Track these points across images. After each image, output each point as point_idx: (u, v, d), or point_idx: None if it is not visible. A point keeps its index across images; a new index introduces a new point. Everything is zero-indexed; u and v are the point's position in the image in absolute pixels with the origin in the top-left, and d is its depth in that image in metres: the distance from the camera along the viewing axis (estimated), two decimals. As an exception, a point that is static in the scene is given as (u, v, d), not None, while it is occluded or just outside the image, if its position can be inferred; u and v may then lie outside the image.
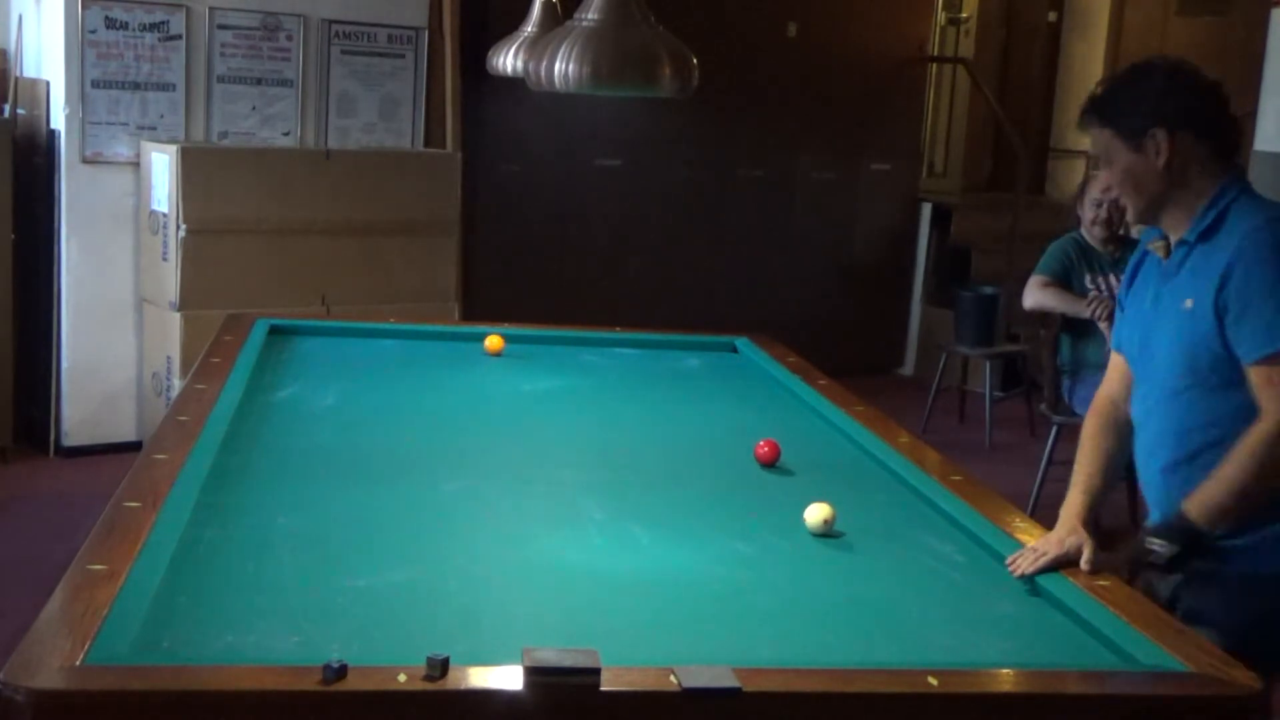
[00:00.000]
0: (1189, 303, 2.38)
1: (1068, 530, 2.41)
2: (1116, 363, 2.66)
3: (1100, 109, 2.42)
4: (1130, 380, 2.58)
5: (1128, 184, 2.42)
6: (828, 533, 2.55)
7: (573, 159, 7.23)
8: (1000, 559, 2.44)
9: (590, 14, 3.16)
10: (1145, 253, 2.58)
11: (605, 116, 6.75)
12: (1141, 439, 2.53)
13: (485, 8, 6.50)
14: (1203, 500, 2.33)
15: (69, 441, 5.73)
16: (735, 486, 2.91)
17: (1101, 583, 2.30)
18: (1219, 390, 2.36)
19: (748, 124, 7.56)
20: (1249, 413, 2.31)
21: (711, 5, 7.20)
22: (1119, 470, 2.62)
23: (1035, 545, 2.39)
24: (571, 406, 3.52)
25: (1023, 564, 2.35)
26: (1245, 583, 2.35)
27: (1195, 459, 2.40)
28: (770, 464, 2.98)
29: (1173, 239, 2.46)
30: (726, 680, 1.80)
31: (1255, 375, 2.30)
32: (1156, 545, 2.33)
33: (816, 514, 2.56)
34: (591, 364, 4.01)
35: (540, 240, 7.16)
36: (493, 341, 3.96)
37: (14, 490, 5.33)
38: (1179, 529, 2.34)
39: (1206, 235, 2.38)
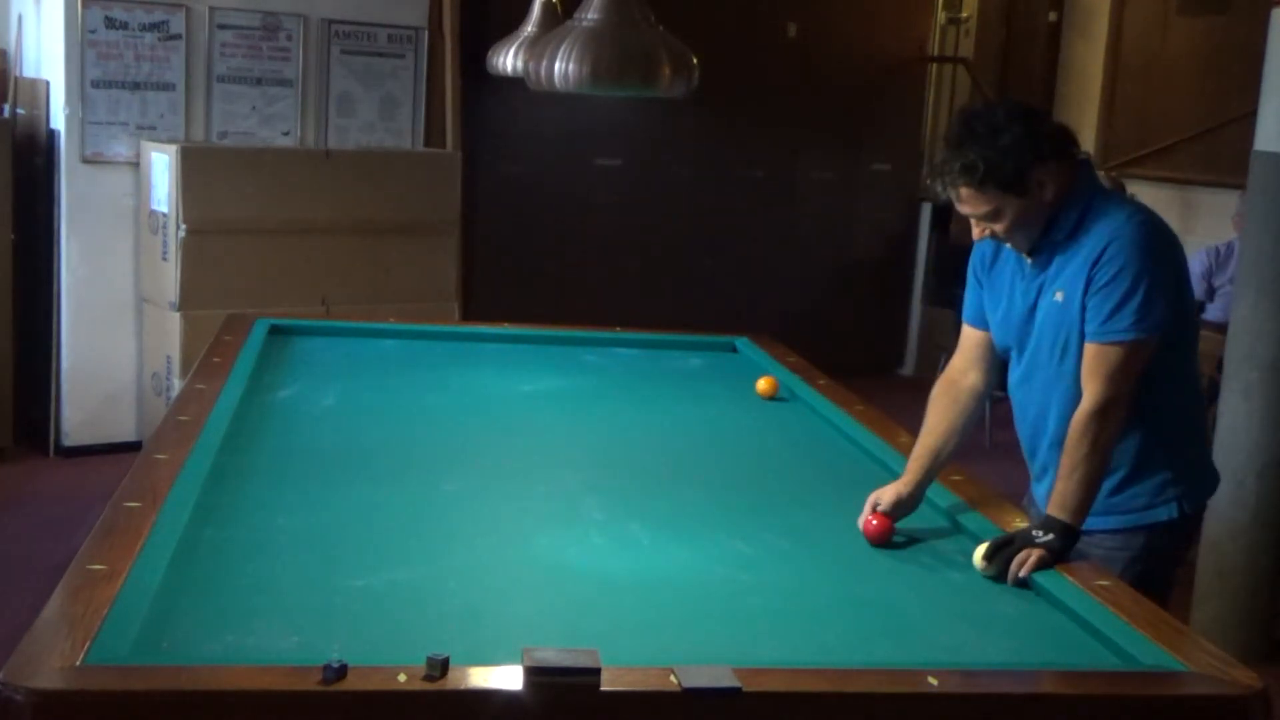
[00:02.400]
0: (1059, 295, 2.56)
1: (903, 485, 2.64)
2: (967, 334, 2.81)
3: (981, 179, 2.47)
4: (980, 352, 2.78)
5: (1021, 227, 2.55)
6: (986, 570, 2.41)
7: (573, 159, 7.23)
8: (1000, 559, 2.45)
9: (590, 14, 3.16)
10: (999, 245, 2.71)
11: (605, 116, 6.75)
12: (1027, 416, 2.73)
13: (485, 8, 6.50)
14: (1060, 501, 2.46)
15: (69, 441, 5.73)
16: (735, 486, 2.91)
17: (1101, 582, 2.30)
18: None
19: (748, 124, 7.56)
20: None
21: (711, 5, 7.20)
22: (962, 438, 2.75)
23: (873, 495, 2.62)
24: (572, 406, 3.52)
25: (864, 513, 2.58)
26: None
27: None
28: (879, 539, 2.56)
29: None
30: (726, 680, 1.80)
31: (1087, 352, 2.51)
32: (1040, 535, 2.42)
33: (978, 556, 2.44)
34: (591, 364, 4.00)
35: (540, 240, 7.16)
36: (764, 386, 3.60)
37: (14, 490, 5.33)
38: (1054, 527, 2.44)
39: (1073, 234, 2.55)
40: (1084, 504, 2.46)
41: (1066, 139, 2.57)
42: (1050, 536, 2.39)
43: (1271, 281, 4.11)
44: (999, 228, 2.55)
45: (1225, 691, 1.91)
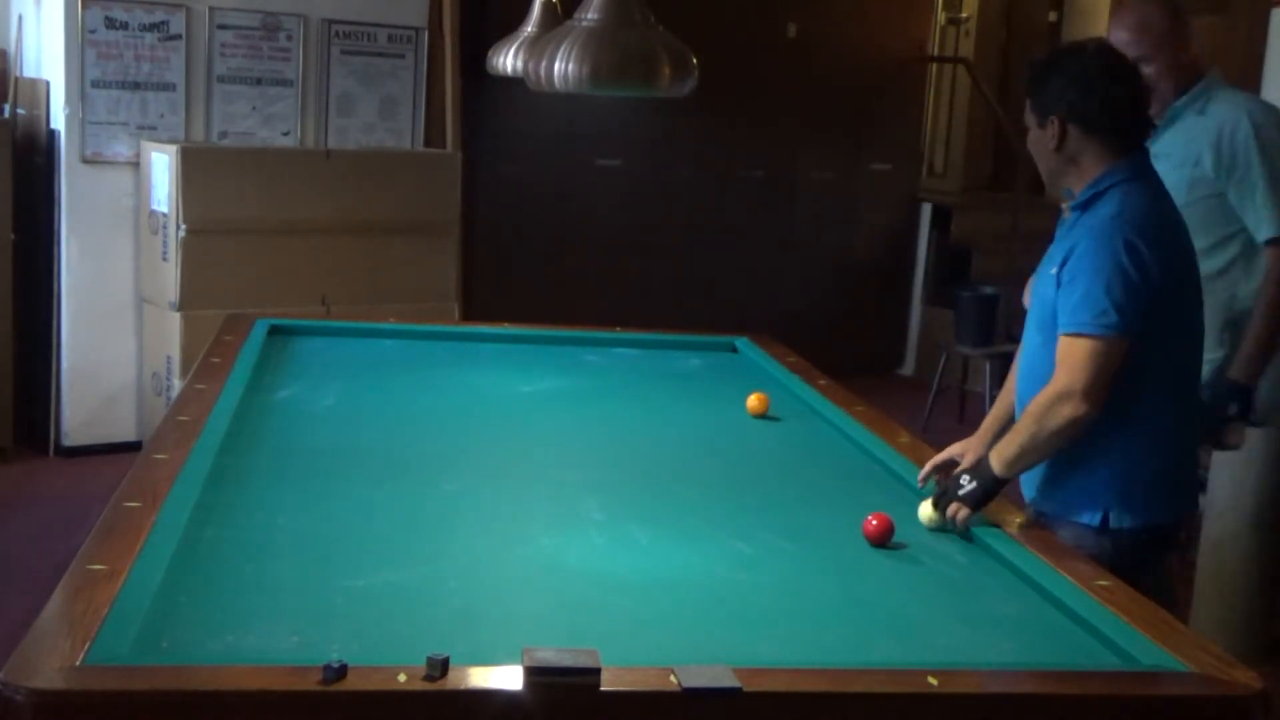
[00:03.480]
0: (1054, 269, 2.64)
1: (966, 448, 2.80)
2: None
3: (1029, 80, 2.67)
4: None
5: (1032, 152, 2.72)
6: (941, 526, 2.62)
7: (573, 159, 7.23)
8: (1000, 559, 2.45)
9: (590, 14, 3.16)
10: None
11: (605, 116, 6.75)
12: (1016, 382, 2.81)
13: (485, 8, 6.50)
14: (999, 451, 2.60)
15: (69, 441, 5.73)
16: (735, 486, 2.91)
17: (1101, 583, 2.30)
18: None
19: (748, 124, 7.56)
20: None
21: (711, 5, 7.20)
22: None
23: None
24: (572, 406, 3.52)
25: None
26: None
27: None
28: (879, 539, 2.55)
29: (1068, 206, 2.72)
30: (726, 680, 1.80)
31: (1059, 344, 2.57)
32: (964, 481, 2.60)
33: (924, 511, 2.66)
34: (592, 364, 4.01)
35: (540, 241, 7.16)
36: (755, 404, 3.46)
37: (14, 490, 5.33)
38: (983, 472, 2.59)
39: (1084, 208, 2.63)
40: (1016, 462, 2.57)
41: (1120, 127, 2.61)
42: (973, 486, 2.57)
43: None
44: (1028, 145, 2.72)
45: (1225, 691, 1.91)
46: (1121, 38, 3.24)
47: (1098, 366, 2.50)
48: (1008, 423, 2.74)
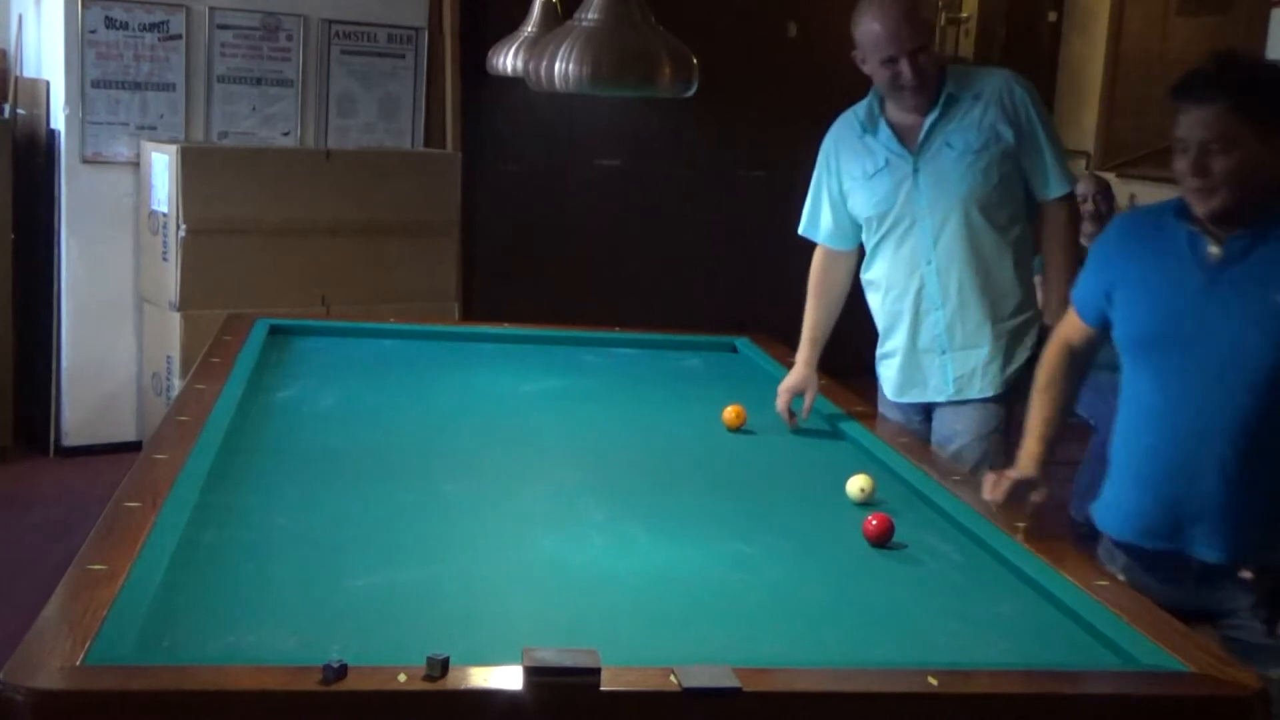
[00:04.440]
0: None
1: (1023, 469, 2.65)
2: (1075, 317, 2.73)
3: (1243, 91, 2.34)
4: (1086, 336, 2.71)
5: (1239, 175, 2.36)
6: (867, 500, 2.71)
7: (573, 159, 7.23)
8: (1000, 559, 2.45)
9: (590, 14, 3.16)
10: (1152, 223, 2.56)
11: (605, 116, 6.75)
12: (1184, 447, 2.48)
13: (485, 8, 6.50)
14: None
15: (69, 441, 5.73)
16: (735, 486, 2.91)
17: (1101, 582, 2.30)
18: None
19: (748, 124, 7.56)
20: None
21: (711, 5, 7.20)
22: (1070, 411, 2.82)
23: (1002, 476, 2.63)
24: (571, 406, 3.52)
25: (992, 491, 2.62)
26: None
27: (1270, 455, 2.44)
28: (879, 539, 2.55)
29: (1224, 233, 2.42)
30: (726, 680, 1.80)
31: None
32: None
33: (854, 485, 2.72)
34: (591, 364, 4.00)
35: (540, 240, 7.16)
36: (731, 416, 3.34)
37: (14, 490, 5.33)
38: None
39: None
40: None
41: None
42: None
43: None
44: (1220, 161, 2.35)
45: (1225, 691, 1.91)
46: (899, 31, 3.20)
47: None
48: (1057, 433, 2.70)
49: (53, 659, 1.75)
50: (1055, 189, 3.31)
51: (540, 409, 3.48)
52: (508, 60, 4.70)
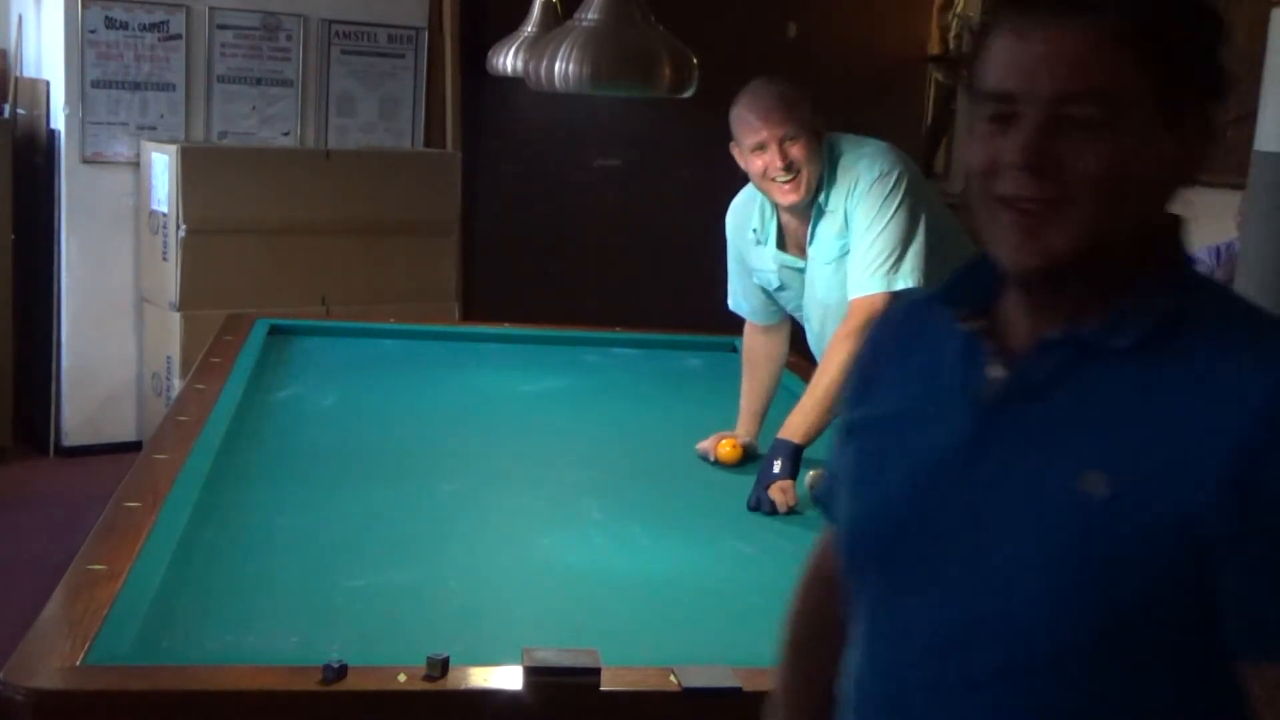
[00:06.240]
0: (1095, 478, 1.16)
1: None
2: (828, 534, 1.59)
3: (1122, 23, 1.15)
4: None
5: (1113, 179, 1.16)
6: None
7: (573, 159, 7.22)
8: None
9: (590, 14, 3.17)
10: (916, 321, 1.36)
11: (605, 116, 6.75)
12: None
13: (485, 8, 6.50)
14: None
15: (69, 441, 5.73)
16: (735, 486, 2.91)
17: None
18: None
19: (748, 124, 7.55)
20: None
21: (711, 5, 7.20)
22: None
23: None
24: (571, 406, 3.52)
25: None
26: None
27: None
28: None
29: (1033, 333, 1.19)
30: (726, 680, 1.80)
31: None
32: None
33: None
34: (591, 364, 4.00)
35: (540, 240, 7.16)
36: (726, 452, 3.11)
37: (14, 490, 5.33)
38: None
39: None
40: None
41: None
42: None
43: (1271, 281, 4.11)
44: (1090, 152, 1.09)
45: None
46: (771, 115, 2.95)
47: None
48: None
49: (53, 659, 1.75)
50: (857, 287, 2.86)
51: (540, 409, 3.48)
52: (508, 60, 4.70)
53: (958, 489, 1.16)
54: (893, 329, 1.32)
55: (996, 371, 1.17)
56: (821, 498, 1.41)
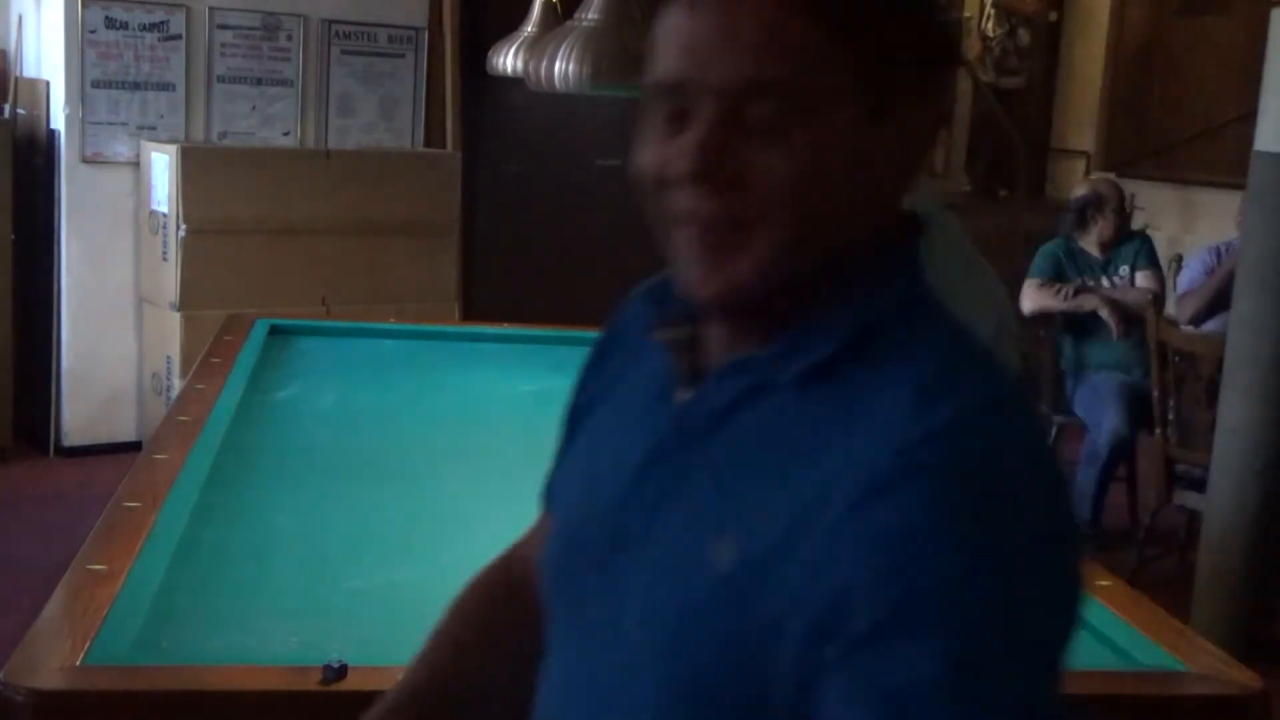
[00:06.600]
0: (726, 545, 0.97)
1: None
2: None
3: None
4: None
5: (806, 183, 0.93)
6: None
7: (573, 159, 7.22)
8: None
9: (590, 14, 3.17)
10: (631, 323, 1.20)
11: (605, 116, 6.74)
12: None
13: (485, 8, 6.50)
14: None
15: (69, 441, 5.73)
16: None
17: (1102, 582, 2.30)
18: None
19: (748, 124, 7.55)
20: None
21: (711, 5, 7.20)
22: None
23: None
24: (571, 406, 3.52)
25: None
26: None
27: None
28: None
29: (722, 355, 1.05)
30: (726, 680, 1.79)
31: None
32: None
33: None
34: (591, 364, 4.00)
35: (540, 240, 7.16)
36: None
37: (14, 490, 5.33)
38: None
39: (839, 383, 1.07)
40: None
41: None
42: None
43: (1272, 281, 4.11)
44: (779, 152, 0.89)
45: (1225, 691, 1.91)
46: None
47: None
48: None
49: (53, 659, 1.75)
50: None
51: (540, 409, 3.48)
52: (508, 60, 4.69)
53: (615, 524, 0.98)
54: (634, 314, 1.12)
55: (684, 395, 0.98)
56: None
